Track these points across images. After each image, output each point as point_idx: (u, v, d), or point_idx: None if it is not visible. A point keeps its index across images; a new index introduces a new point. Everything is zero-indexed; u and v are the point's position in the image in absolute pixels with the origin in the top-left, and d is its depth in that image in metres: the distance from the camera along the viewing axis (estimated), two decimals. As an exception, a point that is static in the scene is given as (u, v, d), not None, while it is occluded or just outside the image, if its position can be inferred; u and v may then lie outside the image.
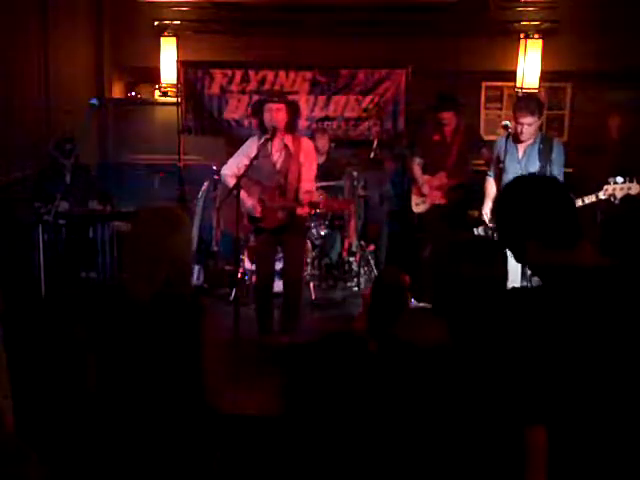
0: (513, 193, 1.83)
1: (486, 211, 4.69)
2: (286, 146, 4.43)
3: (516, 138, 4.47)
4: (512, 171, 4.47)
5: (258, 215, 4.43)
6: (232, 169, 4.52)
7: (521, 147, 4.49)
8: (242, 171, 4.38)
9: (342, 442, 2.32)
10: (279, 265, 5.02)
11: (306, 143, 4.54)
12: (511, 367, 1.70)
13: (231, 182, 4.45)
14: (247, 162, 4.40)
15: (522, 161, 4.46)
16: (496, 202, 1.93)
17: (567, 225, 1.73)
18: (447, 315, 1.90)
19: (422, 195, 5.69)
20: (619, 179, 4.04)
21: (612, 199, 4.07)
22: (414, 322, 2.08)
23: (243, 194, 4.36)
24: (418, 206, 5.79)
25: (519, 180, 1.89)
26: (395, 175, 6.68)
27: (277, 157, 4.44)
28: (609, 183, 4.07)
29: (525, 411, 1.67)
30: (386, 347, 2.06)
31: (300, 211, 4.44)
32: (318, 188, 5.91)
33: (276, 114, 4.31)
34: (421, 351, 1.91)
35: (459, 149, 5.55)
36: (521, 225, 1.78)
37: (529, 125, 4.36)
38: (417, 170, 5.77)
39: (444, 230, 5.58)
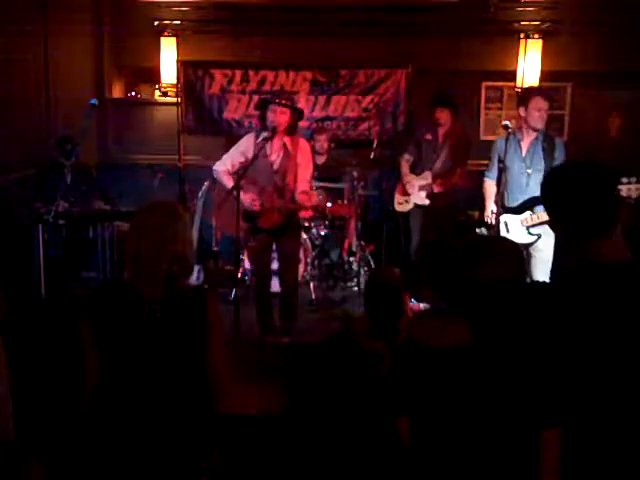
0: (549, 184, 1.85)
1: (487, 212, 4.66)
2: (285, 146, 4.42)
3: (532, 128, 4.43)
4: (517, 170, 4.45)
5: (258, 209, 4.41)
6: (226, 166, 4.50)
7: (524, 145, 4.47)
8: (236, 168, 4.38)
9: (342, 443, 2.32)
10: (276, 264, 5.01)
11: (303, 144, 4.53)
12: (532, 366, 1.70)
13: (224, 179, 4.44)
14: (242, 160, 4.39)
15: (527, 159, 4.45)
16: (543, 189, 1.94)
17: (591, 216, 1.72)
18: (469, 316, 1.89)
19: (406, 194, 5.71)
20: (633, 179, 3.95)
21: (628, 200, 3.97)
22: (429, 324, 2.07)
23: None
24: (401, 205, 5.79)
25: (556, 171, 1.93)
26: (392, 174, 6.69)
27: (275, 157, 4.43)
28: (622, 183, 3.98)
29: (544, 412, 1.67)
30: (401, 350, 2.05)
31: (304, 214, 4.43)
32: (318, 188, 5.93)
33: (279, 116, 4.30)
34: (439, 352, 1.90)
35: (450, 152, 5.52)
36: (551, 215, 1.83)
37: (545, 111, 4.38)
38: (405, 167, 5.77)
39: (429, 231, 5.60)
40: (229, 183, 4.38)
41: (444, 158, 5.54)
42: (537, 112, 4.36)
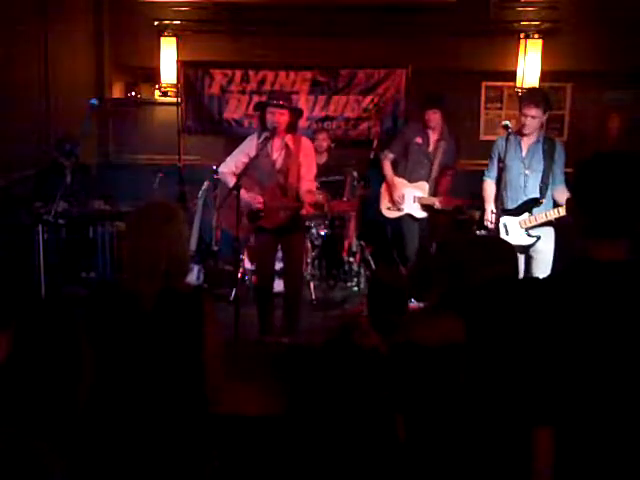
0: (584, 174, 1.74)
1: (487, 213, 4.65)
2: (286, 145, 4.42)
3: (519, 133, 4.43)
4: (515, 170, 4.44)
5: (259, 206, 4.39)
6: (230, 167, 4.51)
7: (525, 146, 4.45)
8: (240, 169, 4.38)
9: (341, 441, 2.32)
10: (279, 265, 5.01)
11: (306, 142, 4.53)
12: (523, 363, 1.70)
13: (229, 180, 4.44)
14: (246, 160, 4.39)
15: (526, 160, 4.43)
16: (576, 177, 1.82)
17: (611, 214, 1.66)
18: (464, 313, 1.89)
19: (394, 201, 5.53)
20: None
21: None
22: (423, 322, 2.08)
23: (241, 190, 4.33)
24: (389, 210, 5.62)
25: (592, 161, 1.76)
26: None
27: (277, 156, 4.44)
28: None
29: (535, 410, 1.67)
30: (397, 349, 2.06)
31: (304, 212, 4.42)
32: (318, 186, 5.93)
33: (278, 117, 4.31)
34: (433, 350, 1.90)
35: (442, 160, 5.42)
36: (578, 207, 1.74)
37: (533, 118, 4.31)
38: (388, 167, 5.59)
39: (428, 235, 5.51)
40: (233, 183, 4.40)
41: (438, 167, 5.42)
42: (525, 119, 4.34)
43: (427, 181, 5.46)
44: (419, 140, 5.47)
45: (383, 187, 5.69)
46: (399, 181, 5.54)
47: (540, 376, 1.66)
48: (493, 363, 1.80)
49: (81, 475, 2.17)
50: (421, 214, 5.50)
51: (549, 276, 1.88)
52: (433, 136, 5.45)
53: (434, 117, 5.36)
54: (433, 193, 5.44)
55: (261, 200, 4.38)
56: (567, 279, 1.71)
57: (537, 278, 1.92)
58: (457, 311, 1.92)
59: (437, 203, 5.35)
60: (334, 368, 2.36)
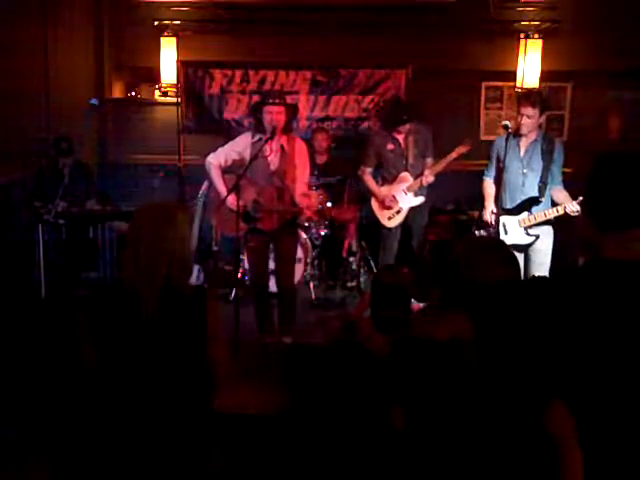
0: (596, 170, 1.79)
1: (487, 212, 4.64)
2: (282, 147, 4.42)
3: (517, 134, 4.44)
4: (514, 170, 4.44)
5: (234, 209, 4.38)
6: (219, 159, 4.49)
7: (523, 145, 4.45)
8: (229, 164, 4.43)
9: (343, 441, 2.32)
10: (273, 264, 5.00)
11: (300, 144, 4.51)
12: (536, 363, 1.70)
13: (214, 173, 4.49)
14: (237, 158, 4.42)
15: (524, 159, 4.44)
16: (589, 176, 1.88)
17: (620, 207, 1.69)
18: (473, 312, 1.89)
19: (389, 207, 5.44)
20: None
21: None
22: (426, 318, 2.08)
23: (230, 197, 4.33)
24: (392, 219, 5.49)
25: (605, 157, 1.82)
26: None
27: (272, 157, 4.42)
28: None
29: (545, 390, 1.67)
30: (400, 345, 2.06)
31: (308, 214, 4.40)
32: (318, 186, 5.92)
33: (276, 116, 4.30)
34: (439, 346, 1.91)
35: (414, 145, 5.37)
36: (586, 200, 1.80)
37: (529, 117, 4.31)
38: (370, 180, 5.53)
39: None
40: (218, 179, 4.45)
41: (413, 154, 5.37)
42: (522, 118, 4.34)
43: (406, 171, 5.42)
44: (391, 147, 5.41)
45: (373, 203, 5.56)
46: (384, 188, 5.48)
47: (554, 378, 1.66)
48: (503, 362, 1.80)
49: (83, 474, 2.18)
50: (418, 200, 5.43)
51: (562, 275, 1.89)
52: (401, 137, 5.39)
53: (402, 129, 5.34)
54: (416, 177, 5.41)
55: (234, 205, 4.36)
56: (581, 277, 1.72)
57: (547, 277, 1.93)
58: (465, 309, 1.92)
59: (424, 179, 5.31)
60: (339, 368, 2.36)
